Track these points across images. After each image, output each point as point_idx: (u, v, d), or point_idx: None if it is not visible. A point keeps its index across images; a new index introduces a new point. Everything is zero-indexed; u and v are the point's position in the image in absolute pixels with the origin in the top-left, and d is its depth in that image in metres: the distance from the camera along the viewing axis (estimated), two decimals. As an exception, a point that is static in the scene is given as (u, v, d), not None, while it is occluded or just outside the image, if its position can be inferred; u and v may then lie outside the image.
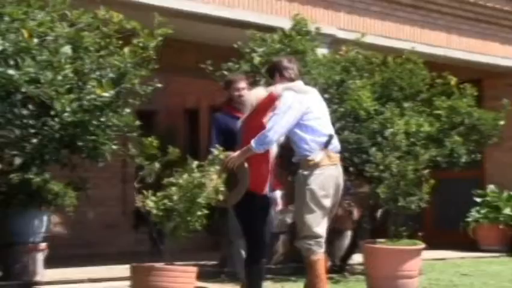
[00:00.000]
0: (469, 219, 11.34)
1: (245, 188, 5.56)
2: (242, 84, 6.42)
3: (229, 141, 5.91)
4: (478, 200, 11.52)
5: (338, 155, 5.68)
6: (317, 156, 5.48)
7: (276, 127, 5.40)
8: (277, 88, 5.63)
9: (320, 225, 5.49)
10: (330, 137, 5.58)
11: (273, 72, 5.82)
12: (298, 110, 5.48)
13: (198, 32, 9.76)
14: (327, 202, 5.51)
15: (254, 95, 5.84)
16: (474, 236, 11.36)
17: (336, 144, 5.66)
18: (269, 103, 5.58)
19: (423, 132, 7.84)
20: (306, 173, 5.50)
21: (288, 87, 5.60)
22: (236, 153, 5.52)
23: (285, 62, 5.81)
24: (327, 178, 5.51)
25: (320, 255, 5.47)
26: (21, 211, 7.21)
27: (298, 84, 5.73)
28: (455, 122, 8.59)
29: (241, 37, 7.93)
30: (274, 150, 5.77)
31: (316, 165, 5.48)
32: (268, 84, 6.43)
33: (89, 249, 10.17)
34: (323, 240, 5.51)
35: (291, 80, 5.71)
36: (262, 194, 5.68)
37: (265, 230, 5.79)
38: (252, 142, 5.42)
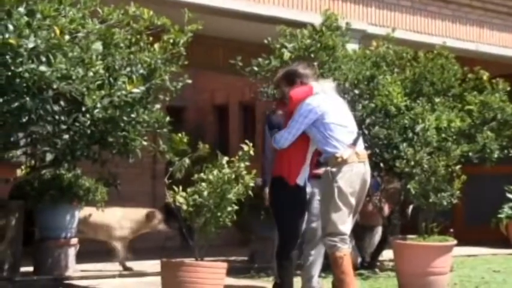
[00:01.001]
0: (501, 216, 11.21)
1: None
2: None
3: None
4: (511, 196, 11.39)
5: (366, 153, 5.67)
6: (345, 153, 5.48)
7: (286, 135, 5.59)
8: (316, 88, 5.67)
9: (345, 223, 5.48)
10: (359, 134, 5.59)
11: (293, 79, 5.84)
12: (315, 114, 5.56)
13: (227, 27, 9.77)
14: (353, 200, 5.51)
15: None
16: (506, 233, 11.23)
17: (361, 142, 5.66)
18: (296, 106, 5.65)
19: (455, 127, 7.77)
20: (334, 169, 5.49)
21: (317, 91, 5.64)
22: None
23: (301, 69, 5.89)
24: (354, 175, 5.50)
25: (345, 251, 5.46)
26: (52, 206, 7.28)
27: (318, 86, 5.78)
28: (487, 117, 8.51)
29: (271, 33, 7.91)
30: (315, 145, 5.77)
31: (344, 162, 5.47)
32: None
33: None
34: (347, 237, 5.50)
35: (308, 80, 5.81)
36: (295, 184, 5.66)
37: (299, 223, 5.78)
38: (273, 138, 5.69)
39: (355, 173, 5.51)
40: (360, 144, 5.68)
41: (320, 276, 6.57)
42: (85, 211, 7.64)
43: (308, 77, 5.83)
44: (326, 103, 5.61)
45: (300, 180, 5.66)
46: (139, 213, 7.81)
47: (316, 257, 6.42)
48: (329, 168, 5.53)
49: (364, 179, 5.60)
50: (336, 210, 5.45)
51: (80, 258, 7.67)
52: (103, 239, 7.68)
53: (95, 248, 8.01)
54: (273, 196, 5.82)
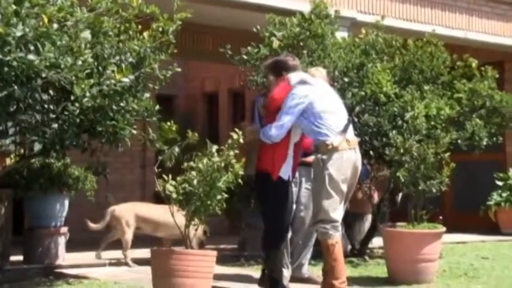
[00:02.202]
0: (490, 203, 11.27)
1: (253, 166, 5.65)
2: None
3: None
4: (500, 183, 11.45)
5: (356, 140, 5.69)
6: (336, 140, 5.49)
7: (278, 129, 5.56)
8: (293, 79, 5.67)
9: (336, 210, 5.50)
10: (349, 121, 5.60)
11: (280, 71, 5.87)
12: (303, 104, 5.57)
13: (216, 16, 9.74)
14: (345, 187, 5.52)
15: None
16: (495, 220, 11.30)
17: (351, 129, 5.67)
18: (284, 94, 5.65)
19: (444, 115, 7.79)
20: (324, 157, 5.50)
21: (302, 80, 5.65)
22: (251, 128, 5.63)
23: (291, 61, 5.90)
24: (345, 162, 5.52)
25: (336, 239, 5.48)
26: (42, 195, 7.27)
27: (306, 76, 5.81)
28: (476, 104, 8.53)
29: (260, 21, 7.90)
30: (296, 137, 5.80)
31: (335, 149, 5.49)
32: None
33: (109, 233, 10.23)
34: (339, 224, 5.52)
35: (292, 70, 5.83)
36: (279, 178, 5.68)
37: (286, 216, 5.80)
38: (261, 132, 5.64)
39: (346, 160, 5.53)
40: (351, 131, 5.69)
41: (309, 263, 6.60)
42: (142, 206, 7.72)
43: (296, 69, 5.84)
44: (312, 92, 5.62)
45: (284, 174, 5.69)
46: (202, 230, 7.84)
47: (305, 245, 6.44)
48: (319, 155, 5.54)
49: (355, 166, 5.62)
50: (327, 197, 5.47)
51: (70, 247, 7.66)
52: (160, 236, 7.66)
53: (85, 237, 8.01)
54: (258, 190, 5.85)
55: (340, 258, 5.51)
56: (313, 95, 5.61)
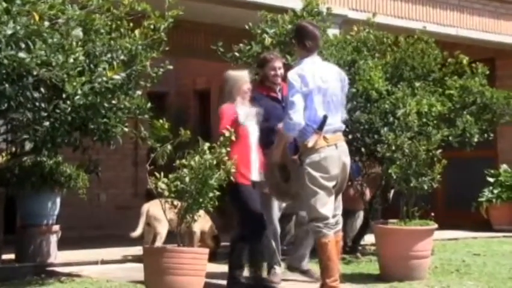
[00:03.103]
0: (482, 199, 11.31)
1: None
2: (278, 63, 6.41)
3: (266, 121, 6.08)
4: (491, 179, 11.48)
5: (337, 135, 5.63)
6: (311, 140, 5.47)
7: (294, 109, 5.43)
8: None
9: (325, 205, 5.49)
10: (325, 117, 5.53)
11: (295, 38, 5.84)
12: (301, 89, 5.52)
13: (208, 13, 9.73)
14: (329, 183, 5.50)
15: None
16: (487, 216, 11.34)
17: (334, 123, 5.60)
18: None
19: (435, 112, 7.81)
20: (302, 156, 5.52)
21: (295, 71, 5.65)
22: (274, 147, 5.68)
23: (309, 29, 5.77)
24: (326, 160, 5.48)
25: (329, 238, 5.47)
26: (34, 193, 7.26)
27: (308, 62, 5.68)
28: (467, 101, 8.55)
29: (252, 18, 7.90)
30: (255, 136, 5.86)
31: (312, 149, 5.48)
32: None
33: (101, 230, 10.23)
34: (331, 221, 5.51)
35: (309, 51, 5.69)
36: (249, 181, 5.86)
37: (261, 216, 5.94)
38: (282, 129, 5.58)
39: (326, 158, 5.48)
40: (333, 126, 5.60)
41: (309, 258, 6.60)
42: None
43: (309, 41, 5.71)
44: (309, 82, 5.58)
45: (254, 176, 5.79)
46: (211, 226, 7.83)
47: (305, 238, 6.42)
48: (295, 156, 5.58)
49: (341, 161, 5.56)
50: (312, 194, 5.46)
51: (62, 245, 7.65)
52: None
53: (77, 235, 8.00)
54: (230, 196, 5.90)
55: (333, 256, 5.51)
56: (308, 83, 5.59)
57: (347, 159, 5.64)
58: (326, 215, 5.48)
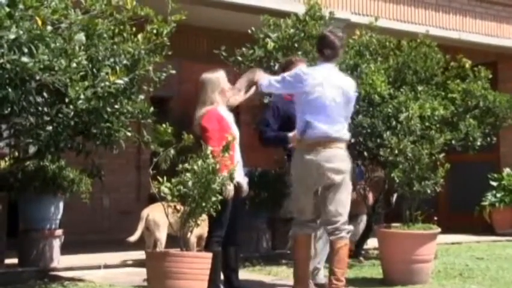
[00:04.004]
0: (485, 203, 11.29)
1: None
2: (303, 66, 6.39)
3: (286, 127, 6.06)
4: (494, 183, 11.47)
5: (321, 140, 5.63)
6: (295, 144, 5.77)
7: (278, 85, 5.84)
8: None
9: (299, 204, 5.73)
10: (307, 124, 5.59)
11: (316, 45, 6.09)
12: (294, 87, 5.75)
13: (211, 17, 9.74)
14: (302, 185, 5.68)
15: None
16: (490, 220, 11.32)
17: (318, 129, 5.62)
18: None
19: (438, 115, 7.81)
20: (291, 158, 5.82)
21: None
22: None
23: (329, 39, 5.86)
24: (303, 165, 5.64)
25: (299, 237, 5.72)
26: (36, 198, 7.25)
27: (324, 66, 5.80)
28: (469, 105, 8.55)
29: (255, 23, 7.91)
30: (237, 138, 5.87)
31: (296, 152, 5.75)
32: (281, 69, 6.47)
33: (104, 235, 10.22)
34: (308, 220, 5.73)
35: (326, 59, 5.83)
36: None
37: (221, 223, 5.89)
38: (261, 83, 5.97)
39: (304, 162, 5.63)
40: (315, 131, 5.62)
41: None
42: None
43: (328, 50, 5.85)
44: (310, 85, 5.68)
45: (238, 176, 5.79)
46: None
47: (320, 249, 6.34)
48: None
49: (321, 167, 5.59)
50: (292, 191, 5.86)
51: (65, 249, 7.65)
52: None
53: (80, 240, 8.00)
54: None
55: (298, 258, 5.72)
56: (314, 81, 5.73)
57: (333, 165, 5.62)
58: (299, 214, 5.73)
